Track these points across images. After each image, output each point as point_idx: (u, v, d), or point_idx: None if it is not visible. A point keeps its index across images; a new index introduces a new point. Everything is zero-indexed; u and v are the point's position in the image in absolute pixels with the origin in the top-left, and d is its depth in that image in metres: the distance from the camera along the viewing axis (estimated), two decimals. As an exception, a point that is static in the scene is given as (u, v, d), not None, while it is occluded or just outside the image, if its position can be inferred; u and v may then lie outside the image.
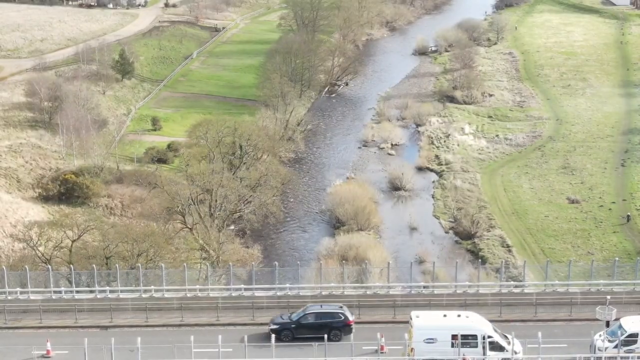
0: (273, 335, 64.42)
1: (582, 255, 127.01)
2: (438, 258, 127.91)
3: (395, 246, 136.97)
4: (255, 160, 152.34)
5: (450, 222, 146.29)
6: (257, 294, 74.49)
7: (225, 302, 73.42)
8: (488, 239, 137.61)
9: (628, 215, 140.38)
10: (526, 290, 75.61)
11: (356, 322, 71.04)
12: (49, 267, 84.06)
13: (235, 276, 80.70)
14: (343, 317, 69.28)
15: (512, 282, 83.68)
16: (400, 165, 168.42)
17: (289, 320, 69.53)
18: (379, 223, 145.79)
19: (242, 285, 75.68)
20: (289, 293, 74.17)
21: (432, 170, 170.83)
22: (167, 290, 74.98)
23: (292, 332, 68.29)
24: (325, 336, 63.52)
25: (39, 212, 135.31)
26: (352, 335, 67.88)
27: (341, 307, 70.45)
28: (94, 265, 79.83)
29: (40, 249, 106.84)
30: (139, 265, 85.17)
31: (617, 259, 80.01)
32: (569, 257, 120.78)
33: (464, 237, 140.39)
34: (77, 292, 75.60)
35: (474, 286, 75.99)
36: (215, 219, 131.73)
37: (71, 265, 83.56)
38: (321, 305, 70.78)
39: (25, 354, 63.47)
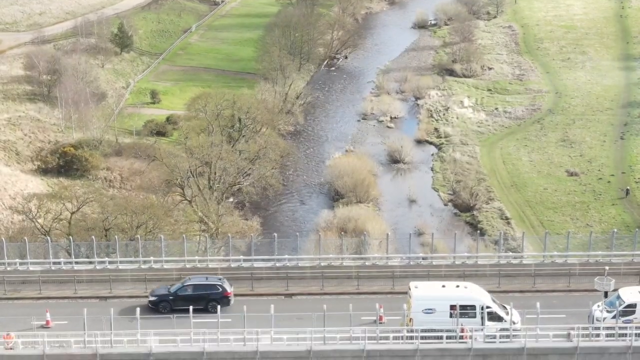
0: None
1: (581, 228, 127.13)
2: (437, 230, 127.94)
3: (394, 218, 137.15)
4: (254, 133, 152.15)
5: (449, 194, 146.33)
6: (256, 265, 74.61)
7: (225, 273, 73.48)
8: (487, 211, 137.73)
9: (627, 189, 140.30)
10: (525, 262, 75.72)
11: (356, 293, 71.34)
12: (48, 238, 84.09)
13: (235, 248, 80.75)
14: (221, 289, 69.51)
15: (510, 254, 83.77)
16: (399, 138, 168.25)
17: (167, 292, 69.77)
18: (378, 195, 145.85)
19: (241, 257, 75.72)
20: (288, 264, 74.28)
21: (431, 143, 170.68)
22: (167, 262, 75.04)
23: (170, 304, 68.55)
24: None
25: (38, 185, 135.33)
26: (230, 306, 67.89)
27: (220, 279, 70.69)
28: (93, 237, 79.88)
29: (39, 221, 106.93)
30: (138, 236, 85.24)
31: (615, 230, 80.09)
32: (568, 229, 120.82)
33: (463, 209, 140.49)
34: (77, 263, 75.67)
35: (472, 257, 76.07)
36: (214, 192, 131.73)
37: (70, 237, 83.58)
38: (199, 277, 70.97)
39: (25, 324, 63.56)
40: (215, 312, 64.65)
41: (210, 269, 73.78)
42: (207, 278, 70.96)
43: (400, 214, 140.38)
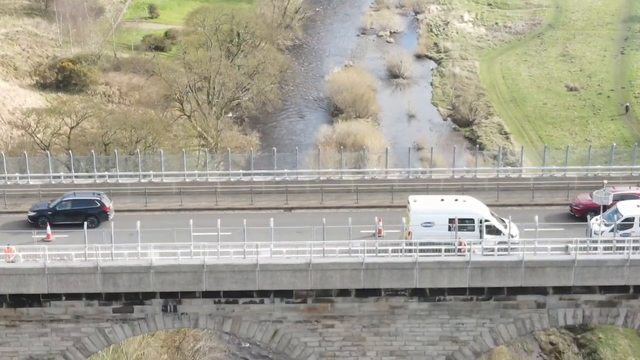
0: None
1: (580, 143, 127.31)
2: (436, 145, 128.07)
3: (394, 133, 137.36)
4: (253, 47, 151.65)
5: (449, 109, 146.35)
6: (256, 179, 74.69)
7: (224, 187, 73.51)
8: (486, 126, 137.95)
9: (627, 105, 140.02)
10: (524, 175, 75.80)
11: (355, 207, 71.54)
12: (48, 152, 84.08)
13: (234, 162, 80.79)
14: (99, 204, 69.46)
15: (509, 168, 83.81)
16: (398, 53, 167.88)
17: (46, 208, 69.77)
18: (377, 110, 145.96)
19: (241, 171, 75.68)
20: (287, 178, 74.32)
21: (430, 58, 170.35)
22: (166, 176, 75.02)
23: (48, 219, 68.63)
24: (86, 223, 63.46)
25: (36, 100, 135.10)
26: (110, 222, 68.05)
27: (98, 194, 70.71)
28: (93, 151, 79.84)
29: (38, 135, 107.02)
30: (138, 150, 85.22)
31: (614, 144, 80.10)
32: (567, 144, 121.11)
33: (462, 124, 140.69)
34: (76, 177, 75.70)
35: (471, 171, 76.07)
36: (213, 107, 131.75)
37: (69, 151, 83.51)
38: (74, 193, 71.00)
39: (26, 238, 63.78)
40: (95, 227, 65.50)
41: (210, 183, 73.80)
42: (75, 194, 70.87)
43: (400, 129, 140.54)
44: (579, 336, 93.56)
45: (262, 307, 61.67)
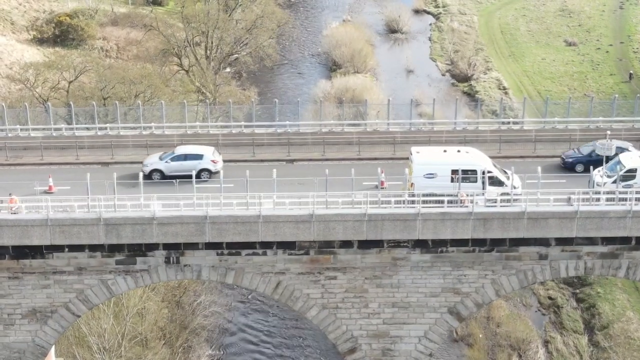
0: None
1: (579, 98, 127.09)
2: (435, 100, 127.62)
3: (392, 88, 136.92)
4: (250, 2, 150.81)
5: (447, 64, 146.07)
6: (257, 131, 74.53)
7: (226, 139, 73.40)
8: (484, 81, 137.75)
9: (630, 73, 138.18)
10: (525, 127, 75.72)
11: (357, 159, 71.50)
12: (49, 104, 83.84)
13: (234, 117, 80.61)
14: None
15: (511, 119, 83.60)
16: (396, 8, 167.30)
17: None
18: (375, 65, 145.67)
19: (242, 123, 75.54)
20: (289, 130, 74.17)
21: (428, 13, 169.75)
22: (168, 128, 74.91)
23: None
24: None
25: (34, 54, 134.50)
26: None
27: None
28: (94, 103, 79.60)
29: (37, 90, 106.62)
30: (139, 102, 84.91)
31: (616, 96, 79.99)
32: (566, 99, 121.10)
33: (461, 79, 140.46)
34: (77, 129, 75.52)
35: (473, 123, 76.01)
36: (211, 61, 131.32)
37: (71, 103, 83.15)
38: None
39: (28, 190, 63.67)
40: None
41: (211, 135, 73.70)
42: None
43: (398, 84, 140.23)
44: (577, 291, 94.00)
45: (264, 259, 61.68)
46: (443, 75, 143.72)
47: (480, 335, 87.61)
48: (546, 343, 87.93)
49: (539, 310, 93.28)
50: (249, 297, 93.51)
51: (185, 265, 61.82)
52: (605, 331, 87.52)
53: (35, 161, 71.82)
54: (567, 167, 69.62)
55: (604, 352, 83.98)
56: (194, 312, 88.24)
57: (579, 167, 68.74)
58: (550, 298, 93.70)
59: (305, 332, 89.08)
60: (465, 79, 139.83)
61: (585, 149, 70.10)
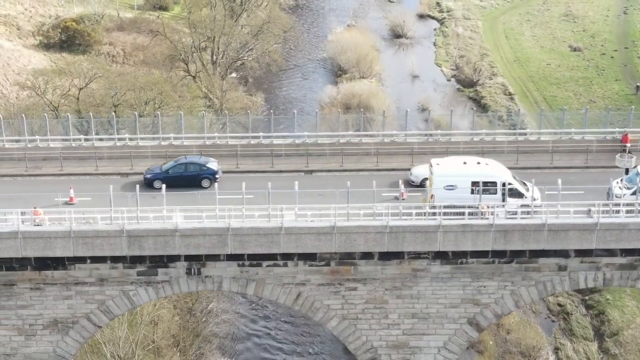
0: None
1: (584, 103, 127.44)
2: (440, 106, 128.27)
3: (398, 94, 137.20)
4: (256, 7, 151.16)
5: (452, 69, 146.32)
6: (276, 141, 74.67)
7: (244, 150, 73.66)
8: (490, 86, 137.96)
9: (637, 85, 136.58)
10: (542, 138, 75.95)
11: (375, 170, 71.72)
12: (68, 115, 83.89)
13: (240, 125, 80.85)
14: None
15: (528, 130, 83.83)
16: (401, 13, 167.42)
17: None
18: (380, 71, 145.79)
19: (261, 133, 75.72)
20: (307, 141, 74.36)
21: (433, 18, 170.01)
22: (187, 138, 75.10)
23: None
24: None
25: (41, 60, 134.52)
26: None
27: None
28: (114, 113, 79.84)
29: (47, 97, 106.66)
30: (158, 113, 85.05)
31: (632, 107, 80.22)
32: (571, 104, 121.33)
33: (466, 84, 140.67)
34: (97, 139, 75.72)
35: (490, 134, 76.20)
36: (217, 67, 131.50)
37: (90, 114, 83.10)
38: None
39: (49, 201, 63.85)
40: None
41: (230, 145, 73.90)
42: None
43: (404, 90, 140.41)
44: (587, 297, 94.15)
45: (285, 270, 61.94)
46: (448, 80, 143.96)
47: (491, 342, 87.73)
48: (556, 350, 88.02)
49: (548, 317, 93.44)
50: (261, 303, 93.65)
51: (206, 277, 62.07)
52: (615, 338, 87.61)
53: (55, 172, 71.95)
54: (147, 183, 69.44)
55: (614, 359, 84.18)
56: (206, 319, 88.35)
57: (157, 184, 68.41)
58: (559, 305, 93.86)
59: (317, 339, 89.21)
60: (470, 84, 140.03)
61: (166, 166, 70.35)
